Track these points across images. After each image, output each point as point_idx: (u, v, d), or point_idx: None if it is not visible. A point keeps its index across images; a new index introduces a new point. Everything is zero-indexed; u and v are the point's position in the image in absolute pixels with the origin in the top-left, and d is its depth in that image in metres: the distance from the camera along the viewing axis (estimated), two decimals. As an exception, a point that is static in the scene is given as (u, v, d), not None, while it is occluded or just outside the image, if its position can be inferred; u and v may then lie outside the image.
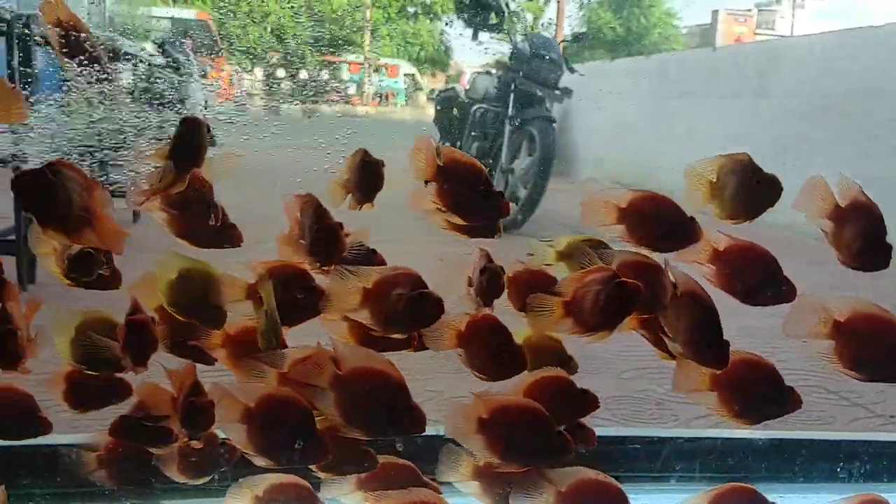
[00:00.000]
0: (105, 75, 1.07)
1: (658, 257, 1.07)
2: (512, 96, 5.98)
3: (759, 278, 1.08)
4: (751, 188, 1.01)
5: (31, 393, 1.09)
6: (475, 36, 6.73)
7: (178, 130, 0.92)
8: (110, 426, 1.12)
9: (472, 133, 6.37)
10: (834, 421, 2.65)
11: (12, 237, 3.65)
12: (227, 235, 1.02)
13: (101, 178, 1.06)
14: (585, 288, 0.98)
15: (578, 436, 1.08)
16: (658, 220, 1.05)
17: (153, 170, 0.96)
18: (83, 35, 1.01)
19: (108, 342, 1.04)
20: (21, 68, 3.49)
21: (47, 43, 1.04)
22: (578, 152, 9.94)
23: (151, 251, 1.05)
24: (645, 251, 1.05)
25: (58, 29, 1.00)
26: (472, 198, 1.02)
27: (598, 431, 1.10)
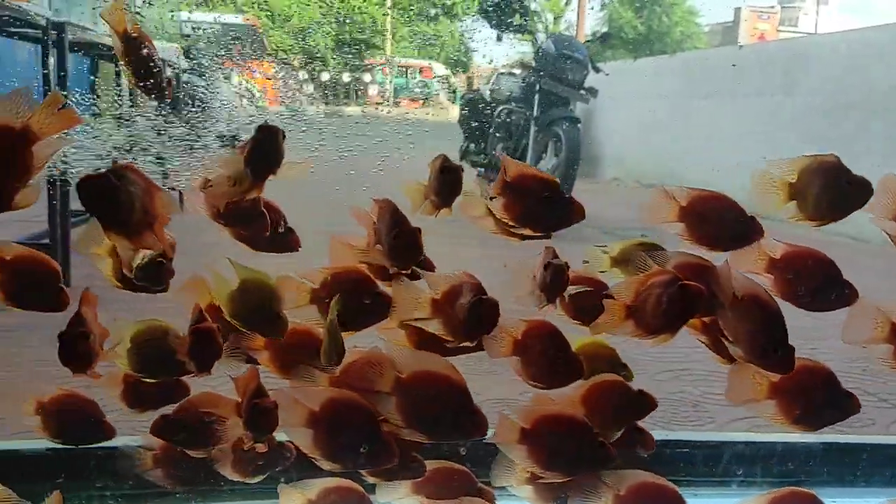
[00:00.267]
0: (164, 87, 1.09)
1: (716, 261, 1.06)
2: (537, 97, 5.97)
3: (820, 282, 1.07)
4: (839, 190, 1.00)
5: (94, 399, 1.11)
6: (499, 37, 6.73)
7: (255, 137, 0.92)
8: (152, 425, 1.13)
9: (497, 134, 6.37)
10: (873, 423, 2.62)
11: (47, 240, 3.71)
12: (285, 240, 1.03)
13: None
14: (647, 290, 0.98)
15: (637, 439, 1.08)
16: (719, 219, 1.04)
17: (215, 173, 0.96)
18: (146, 46, 1.02)
19: (173, 349, 1.05)
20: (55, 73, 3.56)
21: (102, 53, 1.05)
22: (603, 152, 9.89)
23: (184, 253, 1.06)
24: (704, 250, 1.04)
25: (123, 40, 1.01)
26: (540, 208, 1.02)
27: (657, 435, 1.09)
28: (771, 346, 0.98)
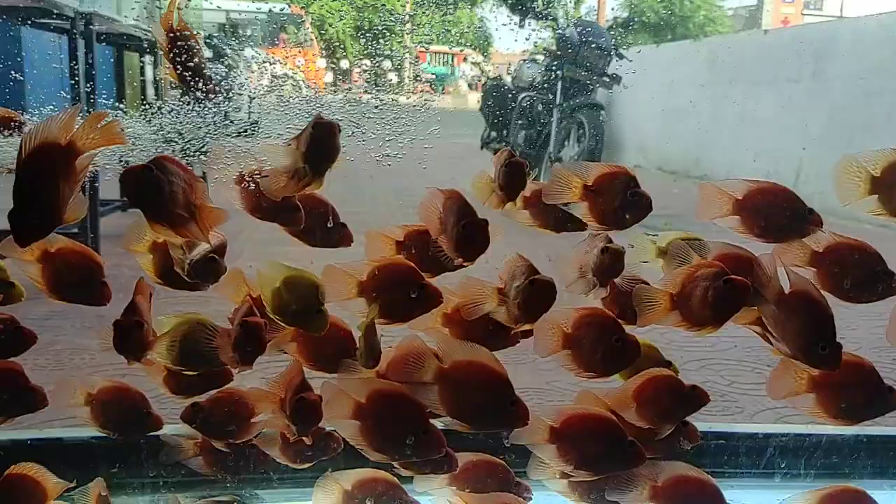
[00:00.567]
0: (210, 84, 1.09)
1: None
2: (560, 84, 5.92)
3: (866, 274, 1.06)
4: None
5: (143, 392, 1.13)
6: (522, 23, 6.67)
7: (314, 132, 0.93)
8: (183, 412, 1.15)
9: (519, 121, 6.33)
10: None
11: (75, 230, 3.74)
12: (338, 235, 1.04)
13: None
14: (694, 283, 0.97)
15: (681, 431, 1.08)
16: (779, 211, 1.03)
17: (265, 166, 0.97)
18: (193, 43, 1.03)
19: (218, 343, 1.06)
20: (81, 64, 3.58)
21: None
22: (625, 139, 9.80)
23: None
24: (759, 242, 1.03)
25: (168, 35, 1.02)
26: (622, 204, 1.02)
27: (702, 427, 1.09)
28: (819, 343, 0.97)
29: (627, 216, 1.02)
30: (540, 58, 6.59)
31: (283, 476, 1.25)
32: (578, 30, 6.10)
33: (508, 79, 6.99)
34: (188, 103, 1.24)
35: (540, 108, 6.19)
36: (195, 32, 1.02)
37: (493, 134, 6.70)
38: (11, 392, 1.12)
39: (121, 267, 1.21)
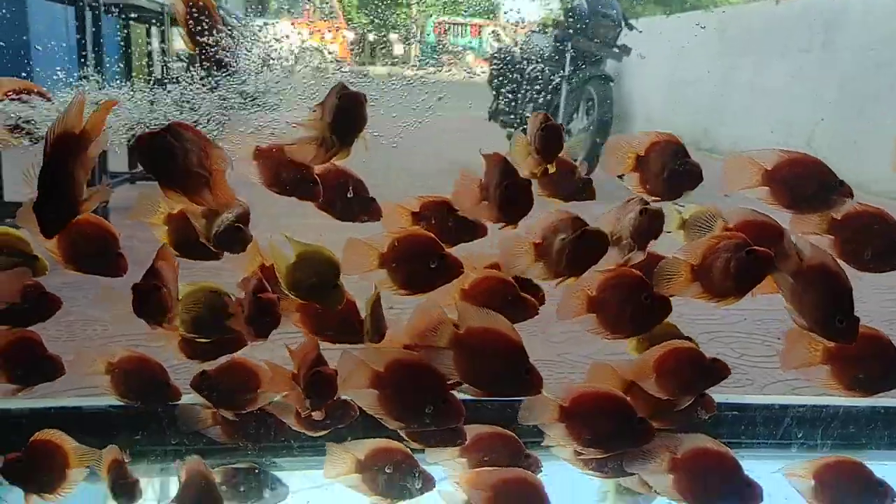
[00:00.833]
0: (228, 60, 1.08)
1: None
2: (568, 55, 5.86)
3: (887, 243, 1.05)
4: None
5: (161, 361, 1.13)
6: (530, -8, 6.56)
7: (340, 103, 0.92)
8: (192, 379, 1.15)
9: (528, 93, 6.27)
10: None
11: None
12: (366, 208, 1.03)
13: None
14: (716, 254, 0.97)
15: (699, 402, 1.08)
16: (807, 182, 1.02)
17: (297, 138, 0.96)
18: (213, 19, 1.01)
19: (230, 312, 1.06)
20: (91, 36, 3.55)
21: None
22: (634, 110, 9.71)
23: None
24: (789, 213, 1.02)
25: (188, 9, 1.00)
26: (672, 173, 1.01)
27: (718, 399, 1.09)
28: (837, 316, 0.96)
29: (678, 185, 1.02)
30: (549, 29, 6.50)
31: (303, 444, 1.26)
32: (588, 1, 6.02)
33: (517, 50, 6.90)
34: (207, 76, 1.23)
35: (548, 79, 6.12)
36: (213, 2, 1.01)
37: (502, 105, 6.64)
38: (29, 361, 1.13)
39: (132, 238, 1.20)
